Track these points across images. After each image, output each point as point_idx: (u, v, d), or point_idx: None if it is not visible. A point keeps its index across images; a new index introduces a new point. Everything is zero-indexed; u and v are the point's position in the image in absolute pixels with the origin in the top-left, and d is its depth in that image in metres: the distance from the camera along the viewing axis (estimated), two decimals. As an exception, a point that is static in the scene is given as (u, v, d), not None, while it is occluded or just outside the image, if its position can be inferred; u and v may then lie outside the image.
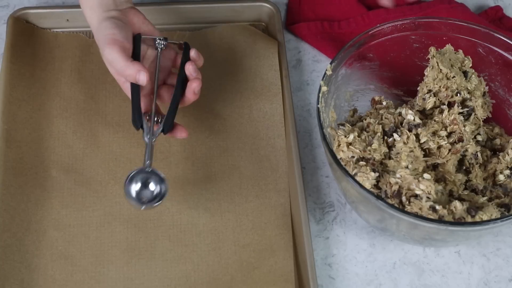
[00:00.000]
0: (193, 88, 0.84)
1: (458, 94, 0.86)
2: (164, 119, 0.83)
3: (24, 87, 0.94)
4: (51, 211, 0.86)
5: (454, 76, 0.85)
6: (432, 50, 0.87)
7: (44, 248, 0.84)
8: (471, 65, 0.89)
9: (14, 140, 0.90)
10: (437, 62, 0.86)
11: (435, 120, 0.85)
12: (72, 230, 0.86)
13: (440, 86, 0.86)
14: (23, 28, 0.99)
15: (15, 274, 0.81)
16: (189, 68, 0.85)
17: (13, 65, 0.95)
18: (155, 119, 0.84)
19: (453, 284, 0.86)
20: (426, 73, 0.87)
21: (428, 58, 0.87)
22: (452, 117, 0.84)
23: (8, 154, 0.88)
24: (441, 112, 0.85)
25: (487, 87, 0.90)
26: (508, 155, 0.85)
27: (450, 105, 0.86)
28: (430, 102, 0.86)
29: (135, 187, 0.79)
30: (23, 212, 0.85)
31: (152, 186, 0.79)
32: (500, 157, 0.85)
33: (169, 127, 0.83)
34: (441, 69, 0.86)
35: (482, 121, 0.88)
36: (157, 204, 0.79)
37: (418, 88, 0.89)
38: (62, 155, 0.91)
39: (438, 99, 0.87)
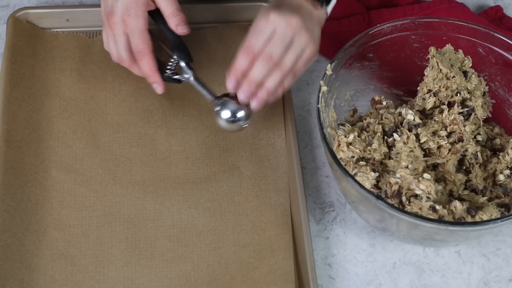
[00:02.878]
0: (175, 25, 0.88)
1: (458, 94, 0.86)
2: (177, 55, 0.89)
3: (24, 87, 0.94)
4: (51, 211, 0.86)
5: (454, 76, 0.85)
6: (432, 50, 0.87)
7: (44, 248, 0.84)
8: (471, 65, 0.89)
9: (14, 140, 0.90)
10: (437, 62, 0.86)
11: (435, 120, 0.85)
12: (72, 230, 0.85)
13: (440, 86, 0.86)
14: (23, 28, 0.99)
15: (15, 274, 0.81)
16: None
17: (13, 65, 0.95)
18: (175, 63, 0.91)
19: (453, 284, 0.86)
20: (426, 73, 0.87)
21: (428, 58, 0.87)
22: (452, 117, 0.84)
23: (8, 154, 0.88)
24: (441, 112, 0.85)
25: (487, 87, 0.90)
26: (508, 155, 0.85)
27: (450, 105, 0.86)
28: (430, 102, 0.86)
29: (226, 114, 0.86)
30: (23, 212, 0.85)
31: (236, 108, 0.86)
32: (500, 157, 0.85)
33: (188, 55, 0.89)
34: (441, 69, 0.86)
35: (482, 121, 0.88)
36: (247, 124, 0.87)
37: (418, 88, 0.89)
38: (62, 155, 0.91)
39: (438, 99, 0.87)
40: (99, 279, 0.83)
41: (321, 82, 0.84)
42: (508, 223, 0.74)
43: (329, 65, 0.85)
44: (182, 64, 0.90)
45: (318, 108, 0.82)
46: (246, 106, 0.85)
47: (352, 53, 0.88)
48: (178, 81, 0.91)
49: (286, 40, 0.81)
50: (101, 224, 0.86)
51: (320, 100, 0.83)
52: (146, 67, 0.88)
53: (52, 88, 0.95)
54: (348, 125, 0.85)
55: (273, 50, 0.81)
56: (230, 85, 0.84)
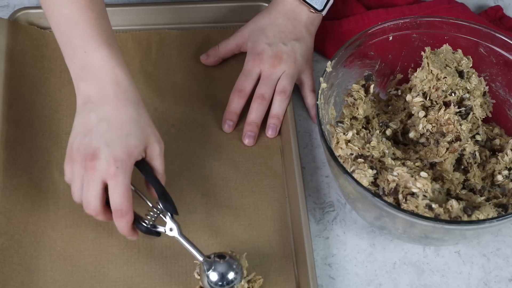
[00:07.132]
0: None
1: (453, 94, 0.86)
2: (163, 206, 0.79)
3: (24, 87, 0.94)
4: (47, 212, 0.86)
5: (446, 77, 0.85)
6: (427, 50, 0.87)
7: (42, 249, 0.84)
8: (471, 65, 0.89)
9: (7, 141, 0.90)
10: (427, 63, 0.86)
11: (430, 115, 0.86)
12: (69, 231, 0.85)
13: (429, 87, 0.86)
14: (22, 28, 0.99)
15: (14, 276, 0.81)
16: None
17: (12, 66, 0.95)
18: (155, 215, 0.80)
19: (453, 284, 0.85)
20: (415, 74, 0.87)
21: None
22: (446, 117, 0.84)
23: (1, 156, 0.88)
24: (440, 108, 0.86)
25: (487, 87, 0.89)
26: (507, 155, 0.84)
27: (447, 104, 0.86)
28: (417, 102, 0.86)
29: (215, 276, 0.79)
30: (20, 213, 0.85)
31: (227, 271, 0.79)
32: (499, 157, 0.85)
33: (173, 206, 0.79)
34: (431, 70, 0.85)
35: (482, 121, 0.88)
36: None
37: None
38: (56, 156, 0.90)
39: (429, 99, 0.87)
40: (100, 279, 0.83)
41: (321, 79, 0.84)
42: (506, 223, 0.73)
43: (329, 62, 0.85)
44: (167, 216, 0.80)
45: (317, 104, 0.82)
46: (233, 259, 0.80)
47: (352, 50, 0.88)
48: (158, 233, 0.80)
49: (272, 80, 0.93)
50: (99, 224, 0.86)
51: (319, 96, 0.83)
52: (125, 227, 0.77)
53: (52, 88, 0.96)
54: (347, 122, 0.85)
55: (262, 90, 0.93)
56: (227, 129, 0.94)
